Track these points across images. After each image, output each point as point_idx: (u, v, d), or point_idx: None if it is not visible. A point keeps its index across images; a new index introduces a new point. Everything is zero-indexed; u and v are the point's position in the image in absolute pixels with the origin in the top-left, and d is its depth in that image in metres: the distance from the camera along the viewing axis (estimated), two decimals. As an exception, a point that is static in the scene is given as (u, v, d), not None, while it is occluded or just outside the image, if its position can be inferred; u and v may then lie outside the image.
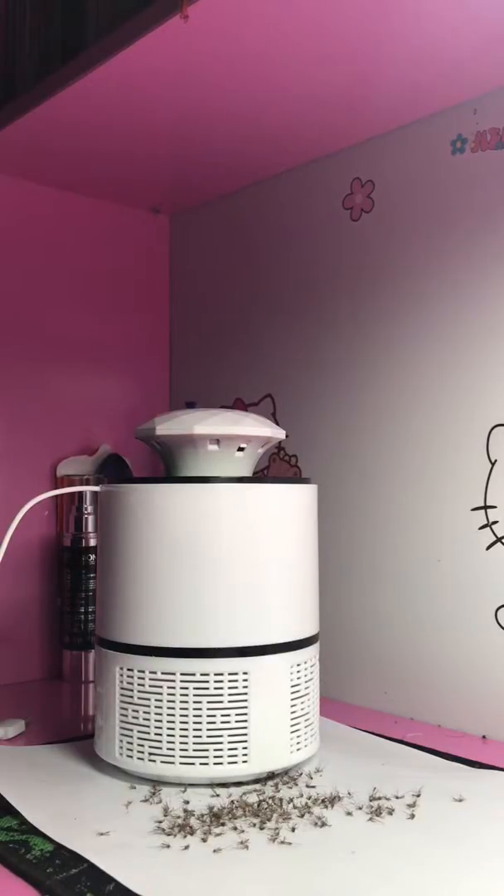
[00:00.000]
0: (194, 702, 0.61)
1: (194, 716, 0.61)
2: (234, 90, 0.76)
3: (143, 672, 0.63)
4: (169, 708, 0.62)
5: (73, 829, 0.54)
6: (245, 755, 0.62)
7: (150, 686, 0.62)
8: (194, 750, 0.61)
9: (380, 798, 0.59)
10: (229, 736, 0.61)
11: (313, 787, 0.62)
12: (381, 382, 0.86)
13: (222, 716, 0.61)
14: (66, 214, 1.03)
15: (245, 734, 0.62)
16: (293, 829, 0.54)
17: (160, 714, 0.62)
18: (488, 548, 0.76)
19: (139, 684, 0.63)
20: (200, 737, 0.61)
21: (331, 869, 0.48)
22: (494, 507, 0.76)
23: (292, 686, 0.64)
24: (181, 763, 0.61)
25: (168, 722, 0.62)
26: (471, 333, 0.78)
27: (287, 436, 0.95)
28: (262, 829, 0.54)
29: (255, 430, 0.67)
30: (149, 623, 0.63)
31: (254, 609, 0.63)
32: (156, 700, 0.62)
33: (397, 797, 0.59)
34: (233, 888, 0.46)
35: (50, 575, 1.00)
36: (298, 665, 0.65)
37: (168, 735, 0.62)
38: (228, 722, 0.62)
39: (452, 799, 0.59)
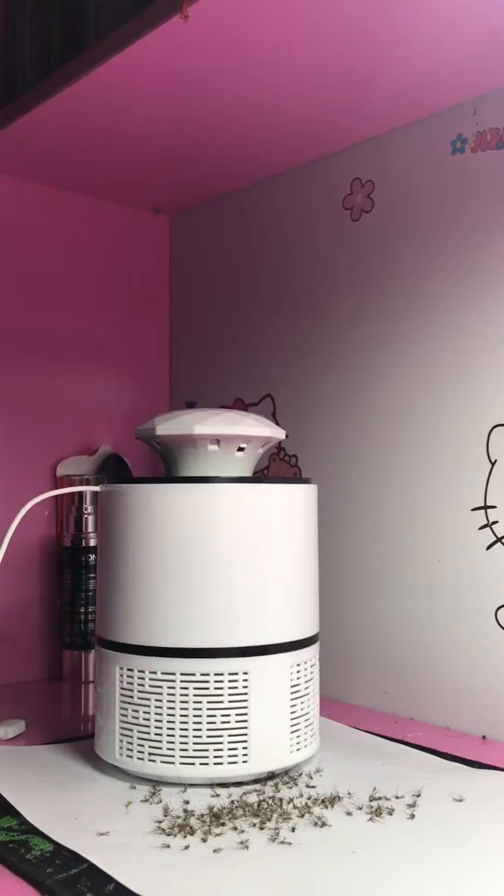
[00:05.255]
0: (194, 702, 0.61)
1: (194, 716, 0.61)
2: (234, 90, 0.76)
3: (143, 672, 0.63)
4: (169, 708, 0.62)
5: (73, 829, 0.54)
6: (245, 755, 0.62)
7: (150, 686, 0.62)
8: (194, 750, 0.61)
9: (380, 798, 0.59)
10: (229, 736, 0.61)
11: (313, 787, 0.62)
12: (381, 382, 0.86)
13: (222, 716, 0.61)
14: (65, 214, 1.03)
15: (245, 734, 0.62)
16: (293, 829, 0.54)
17: (160, 714, 0.62)
18: (488, 548, 0.76)
19: (139, 684, 0.63)
20: (200, 737, 0.61)
21: (331, 869, 0.48)
22: (494, 507, 0.76)
23: (292, 686, 0.64)
24: (181, 763, 0.61)
25: (168, 722, 0.62)
26: (471, 333, 0.78)
27: (287, 436, 0.95)
28: (262, 829, 0.54)
29: (255, 430, 0.67)
30: (149, 623, 0.63)
31: (254, 609, 0.63)
32: (156, 700, 0.62)
33: (397, 797, 0.59)
34: (233, 888, 0.46)
35: (50, 575, 1.00)
36: (298, 665, 0.65)
37: (168, 735, 0.62)
38: (228, 722, 0.62)
39: (452, 799, 0.59)
